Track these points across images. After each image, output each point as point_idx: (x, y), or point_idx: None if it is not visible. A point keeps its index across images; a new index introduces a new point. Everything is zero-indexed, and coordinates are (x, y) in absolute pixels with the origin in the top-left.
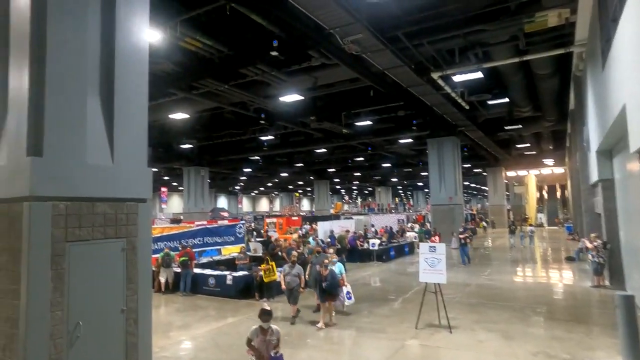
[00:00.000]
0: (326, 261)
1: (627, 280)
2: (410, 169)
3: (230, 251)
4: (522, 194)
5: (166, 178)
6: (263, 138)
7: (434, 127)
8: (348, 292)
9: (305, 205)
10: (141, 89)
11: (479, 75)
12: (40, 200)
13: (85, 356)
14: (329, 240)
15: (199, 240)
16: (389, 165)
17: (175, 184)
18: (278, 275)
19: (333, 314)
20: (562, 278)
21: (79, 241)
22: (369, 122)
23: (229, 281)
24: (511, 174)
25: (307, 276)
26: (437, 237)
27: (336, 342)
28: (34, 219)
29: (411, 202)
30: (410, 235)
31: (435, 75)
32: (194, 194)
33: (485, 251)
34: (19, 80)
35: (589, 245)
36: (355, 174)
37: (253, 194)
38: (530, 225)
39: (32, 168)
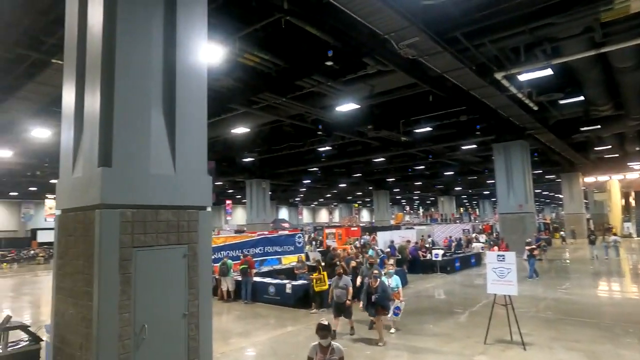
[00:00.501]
0: (375, 272)
1: None
2: (475, 177)
3: (290, 260)
4: (603, 201)
5: (231, 191)
6: (321, 149)
7: (500, 131)
8: (397, 307)
9: (365, 216)
10: (200, 102)
11: (548, 72)
12: (109, 207)
13: (150, 358)
14: (388, 250)
15: (260, 250)
16: (451, 173)
17: (239, 196)
18: (329, 285)
19: (391, 330)
20: None
21: (144, 247)
22: (428, 129)
23: (288, 290)
24: (589, 179)
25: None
26: (499, 247)
27: (397, 357)
28: (104, 225)
29: (477, 212)
30: (477, 245)
31: (499, 76)
32: (256, 206)
33: (563, 263)
34: (92, 99)
35: None
36: (416, 183)
37: (313, 205)
38: (614, 234)
39: (103, 178)
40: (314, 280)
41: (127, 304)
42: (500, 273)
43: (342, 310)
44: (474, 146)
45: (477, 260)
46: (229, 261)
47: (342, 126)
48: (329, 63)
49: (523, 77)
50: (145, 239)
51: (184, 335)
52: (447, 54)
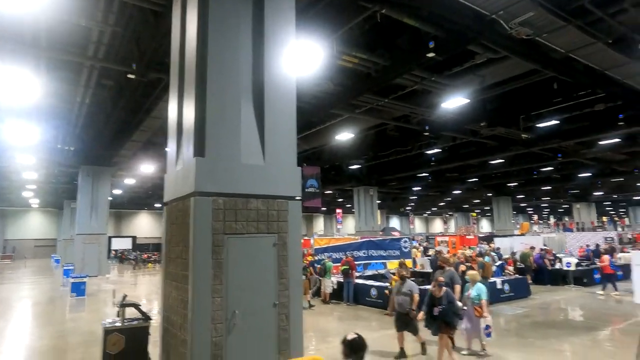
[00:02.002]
0: (440, 278)
1: None
2: (622, 178)
3: (396, 265)
4: None
5: (340, 200)
6: (429, 152)
7: None
8: (487, 326)
9: (485, 226)
10: (289, 96)
11: None
12: (203, 195)
13: (242, 344)
14: (507, 256)
15: (364, 253)
16: (589, 175)
17: (348, 205)
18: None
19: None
20: None
21: (235, 234)
22: (554, 122)
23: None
24: None
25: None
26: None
27: None
28: (198, 212)
29: (626, 221)
30: (625, 256)
31: None
32: (364, 213)
33: None
34: (189, 99)
35: None
36: (544, 188)
37: (425, 214)
38: None
39: (197, 167)
40: (393, 282)
41: (219, 288)
42: None
43: (405, 322)
44: (617, 140)
45: (625, 273)
46: (329, 263)
47: (451, 125)
48: (431, 55)
49: None
50: (236, 227)
51: (275, 324)
52: (572, 28)
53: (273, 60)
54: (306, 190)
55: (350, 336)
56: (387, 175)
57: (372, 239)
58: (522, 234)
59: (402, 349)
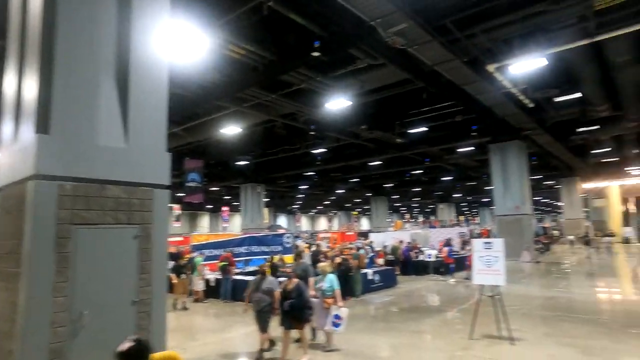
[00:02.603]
0: (288, 270)
1: None
2: (474, 182)
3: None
4: (603, 207)
5: (227, 197)
6: (315, 151)
7: (496, 132)
8: (337, 316)
9: (365, 224)
10: (160, 75)
11: (542, 63)
12: (45, 179)
13: (90, 348)
14: (380, 249)
15: (246, 249)
16: (450, 178)
17: (236, 203)
18: None
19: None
20: None
21: (86, 224)
22: (423, 129)
23: None
24: (589, 186)
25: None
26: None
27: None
28: (38, 198)
29: (477, 220)
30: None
31: (491, 68)
32: (251, 211)
33: (561, 265)
34: (33, 66)
35: None
36: (414, 190)
37: (312, 213)
38: (606, 235)
39: (38, 146)
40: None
41: (63, 286)
42: (487, 262)
43: (263, 320)
44: (471, 148)
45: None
46: (198, 258)
47: (335, 126)
48: (316, 54)
49: (516, 70)
50: (88, 216)
51: (133, 324)
52: (436, 44)
53: (142, 37)
54: (187, 184)
55: (124, 346)
56: (275, 173)
57: (254, 234)
58: (395, 231)
59: (261, 350)
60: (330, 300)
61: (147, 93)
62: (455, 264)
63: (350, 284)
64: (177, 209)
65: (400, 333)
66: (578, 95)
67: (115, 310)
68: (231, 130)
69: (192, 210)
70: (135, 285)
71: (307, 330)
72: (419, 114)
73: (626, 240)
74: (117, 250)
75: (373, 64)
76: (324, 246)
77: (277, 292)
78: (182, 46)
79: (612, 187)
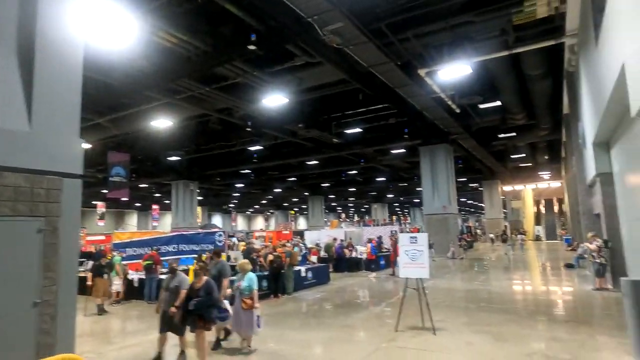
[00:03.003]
0: (195, 267)
1: None
2: (406, 184)
3: None
4: (519, 208)
5: (158, 195)
6: (252, 149)
7: (426, 135)
8: (258, 317)
9: (302, 224)
10: (72, 55)
11: (467, 70)
12: None
13: None
14: (312, 246)
15: (174, 248)
16: (383, 179)
17: (168, 202)
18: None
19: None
20: (562, 283)
21: None
22: (359, 130)
23: None
24: (507, 188)
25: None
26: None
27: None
28: None
29: (408, 219)
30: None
31: (422, 72)
32: (183, 209)
33: (482, 261)
34: None
35: (591, 246)
36: (350, 189)
37: (248, 212)
38: (520, 234)
39: None
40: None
41: None
42: (413, 255)
43: (168, 321)
44: (403, 150)
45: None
46: (117, 257)
47: (272, 123)
48: (252, 47)
49: (445, 75)
50: None
51: (34, 328)
52: (372, 45)
53: (50, 12)
54: (111, 179)
55: None
56: (210, 170)
57: (183, 232)
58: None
59: (159, 353)
60: (249, 301)
61: (57, 73)
62: (385, 260)
63: (283, 281)
64: (101, 206)
65: (330, 328)
66: (498, 103)
67: (11, 312)
68: (162, 123)
69: (118, 209)
70: (38, 284)
71: (212, 332)
72: (355, 114)
73: (537, 238)
74: (16, 245)
75: (310, 61)
76: (257, 244)
77: (183, 291)
78: (106, 29)
79: (527, 190)
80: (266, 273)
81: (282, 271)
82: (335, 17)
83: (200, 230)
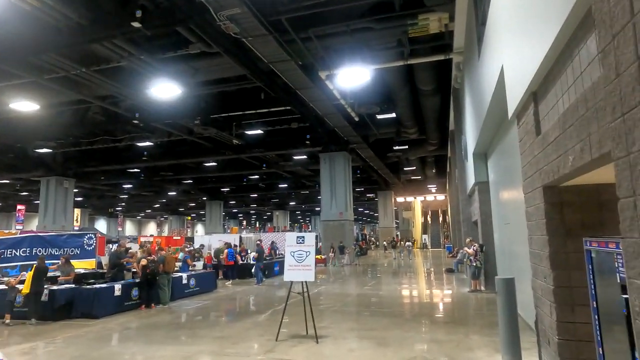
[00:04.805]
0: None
1: None
2: (308, 191)
3: (76, 267)
4: (409, 218)
5: (25, 193)
6: (142, 145)
7: (327, 142)
8: None
9: (200, 230)
10: None
11: (366, 77)
12: None
13: None
14: (192, 249)
15: (26, 252)
16: (285, 186)
17: (37, 202)
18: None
19: None
20: (442, 286)
21: None
22: (260, 132)
23: (44, 298)
24: (400, 199)
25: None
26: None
27: None
28: None
29: (309, 227)
30: None
31: (323, 75)
32: (53, 210)
33: (373, 267)
34: None
35: (469, 250)
36: (252, 196)
37: (139, 217)
38: (408, 241)
39: None
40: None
41: None
42: (299, 257)
43: None
44: (304, 157)
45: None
46: None
47: (164, 117)
48: (137, 25)
49: (345, 80)
50: None
51: None
52: (272, 40)
53: None
54: None
55: None
56: (90, 166)
57: (40, 233)
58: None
59: None
60: None
61: None
62: (280, 267)
63: (156, 289)
64: None
65: (202, 340)
66: (394, 115)
67: None
68: (25, 106)
69: None
70: None
71: None
72: (256, 115)
73: (424, 246)
74: None
75: (207, 51)
76: (134, 248)
77: None
78: None
79: (416, 201)
80: (137, 280)
81: (157, 278)
82: (232, 1)
83: (63, 233)
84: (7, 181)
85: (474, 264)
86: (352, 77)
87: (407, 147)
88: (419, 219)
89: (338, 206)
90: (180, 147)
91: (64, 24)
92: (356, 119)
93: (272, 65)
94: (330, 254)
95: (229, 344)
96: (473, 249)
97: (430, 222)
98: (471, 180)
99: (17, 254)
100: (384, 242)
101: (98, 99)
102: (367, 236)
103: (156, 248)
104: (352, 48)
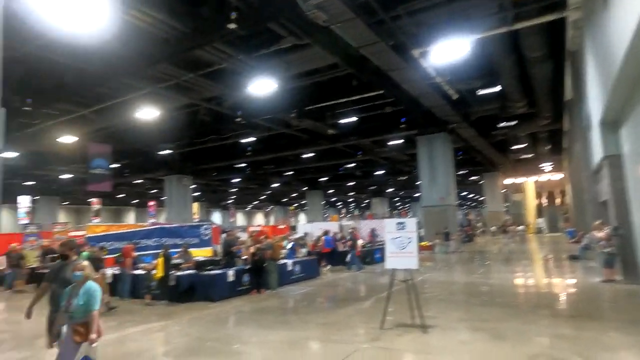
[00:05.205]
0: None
1: None
2: (405, 177)
3: (195, 255)
4: (521, 201)
5: (154, 191)
6: (245, 141)
7: (423, 124)
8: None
9: (303, 219)
10: None
11: (465, 50)
12: None
13: None
14: (300, 236)
15: (155, 242)
16: (382, 172)
17: (164, 198)
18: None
19: None
20: (564, 275)
21: None
22: (354, 119)
23: (172, 282)
24: (508, 181)
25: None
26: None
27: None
28: None
29: (408, 214)
30: None
31: (416, 53)
32: (177, 205)
33: (482, 253)
34: None
35: (600, 234)
36: (349, 184)
37: (247, 208)
38: (520, 225)
39: None
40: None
41: None
42: (400, 244)
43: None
44: (401, 141)
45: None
46: (84, 253)
47: (263, 113)
48: (232, 26)
49: (440, 56)
50: None
51: None
52: (360, 23)
53: None
54: (92, 171)
55: None
56: (204, 164)
57: (164, 225)
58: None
59: None
60: (82, 329)
61: None
62: (381, 254)
63: (264, 275)
64: (96, 203)
65: (308, 326)
66: (498, 89)
67: None
68: (148, 113)
69: (115, 205)
70: None
71: None
72: (349, 103)
73: (539, 231)
74: None
75: (298, 43)
76: (243, 236)
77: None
78: (73, 8)
79: (528, 182)
80: (247, 267)
81: (265, 265)
82: None
83: (183, 224)
84: (140, 181)
85: (607, 250)
86: (448, 51)
87: (515, 123)
88: (532, 202)
89: (438, 191)
90: (279, 141)
91: (171, 34)
92: (454, 97)
93: (361, 49)
94: (435, 240)
95: (333, 330)
96: (604, 231)
97: (545, 204)
98: (597, 154)
99: (149, 243)
100: (492, 228)
101: (205, 101)
102: (473, 222)
103: (262, 237)
104: (447, 20)
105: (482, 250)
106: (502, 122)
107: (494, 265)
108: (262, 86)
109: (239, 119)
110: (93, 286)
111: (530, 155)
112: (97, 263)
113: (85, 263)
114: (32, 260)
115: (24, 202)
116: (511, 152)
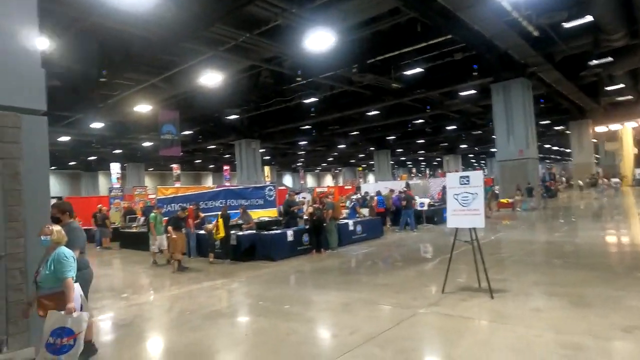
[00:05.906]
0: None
1: None
2: (480, 132)
3: (259, 215)
4: (615, 150)
5: (227, 155)
6: (308, 101)
7: (498, 70)
8: (63, 331)
9: (371, 180)
10: None
11: None
12: None
13: None
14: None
15: (221, 203)
16: (454, 127)
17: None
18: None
19: None
20: None
21: None
22: (420, 70)
23: (233, 242)
24: (600, 129)
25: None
26: None
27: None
28: None
29: (485, 171)
30: None
31: None
32: (247, 168)
33: (566, 210)
34: None
35: None
36: (419, 142)
37: (316, 170)
38: (615, 178)
39: None
40: (214, 229)
41: None
42: (464, 200)
43: None
44: (473, 92)
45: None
46: (152, 214)
47: (323, 70)
48: None
49: None
50: None
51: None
52: None
53: None
54: (162, 137)
55: None
56: (270, 127)
57: (230, 187)
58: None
59: None
60: (48, 302)
61: None
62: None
63: (324, 235)
64: (176, 168)
65: (364, 287)
66: (589, 19)
67: None
68: (212, 78)
69: (195, 171)
70: (1, 235)
71: None
72: (414, 53)
73: (638, 183)
74: None
75: None
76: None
77: None
78: None
79: (625, 128)
80: (307, 227)
81: (324, 224)
82: None
83: (248, 186)
84: (214, 146)
85: None
86: None
87: (610, 59)
88: (629, 150)
89: (517, 143)
90: (343, 100)
91: None
92: (535, 33)
93: None
94: (516, 197)
95: (391, 292)
96: None
97: None
98: None
99: (215, 204)
100: (579, 181)
101: (265, 61)
102: (556, 176)
103: (325, 197)
104: None
105: (567, 205)
106: (594, 59)
107: (581, 223)
108: (320, 40)
109: (299, 79)
110: (64, 252)
111: (628, 98)
112: (179, 222)
113: (57, 227)
114: (117, 220)
115: (114, 168)
116: (605, 95)
